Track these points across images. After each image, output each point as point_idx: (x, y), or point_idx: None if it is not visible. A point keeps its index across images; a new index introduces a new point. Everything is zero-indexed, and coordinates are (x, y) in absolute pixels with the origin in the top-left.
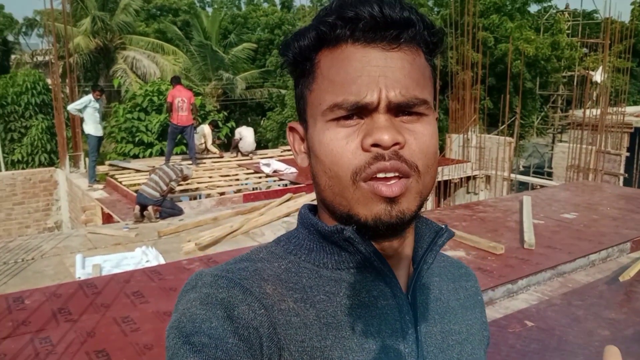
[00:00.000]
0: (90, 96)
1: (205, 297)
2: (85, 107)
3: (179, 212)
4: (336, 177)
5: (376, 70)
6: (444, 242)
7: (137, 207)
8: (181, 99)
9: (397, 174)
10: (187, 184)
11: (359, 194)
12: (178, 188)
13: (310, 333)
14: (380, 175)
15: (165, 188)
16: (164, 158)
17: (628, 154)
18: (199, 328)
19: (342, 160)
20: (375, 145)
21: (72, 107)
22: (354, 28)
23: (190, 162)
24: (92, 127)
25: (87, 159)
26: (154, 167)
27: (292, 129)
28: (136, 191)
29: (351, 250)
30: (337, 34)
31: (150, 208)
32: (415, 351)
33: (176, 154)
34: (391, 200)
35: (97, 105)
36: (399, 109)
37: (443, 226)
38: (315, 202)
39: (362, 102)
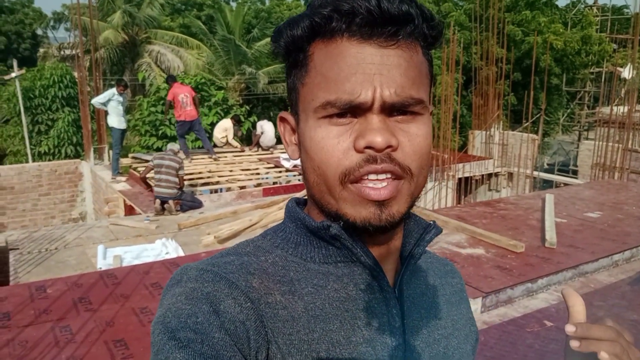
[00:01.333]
0: (113, 90)
1: (191, 292)
2: (109, 100)
3: (199, 205)
4: (324, 176)
5: (371, 68)
6: (432, 238)
7: (158, 201)
8: (184, 95)
9: (388, 176)
10: (208, 177)
11: (346, 195)
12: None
13: (298, 326)
14: (372, 177)
15: (177, 180)
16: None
17: None
18: (185, 323)
19: (332, 160)
20: (368, 147)
21: (95, 101)
22: (350, 22)
23: (209, 155)
24: (115, 120)
25: (111, 152)
26: (149, 164)
27: (283, 120)
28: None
29: (338, 245)
30: (333, 27)
31: (170, 202)
32: (402, 344)
33: (199, 147)
34: (381, 204)
35: (120, 98)
36: (393, 109)
37: (431, 222)
38: (303, 196)
39: (355, 101)
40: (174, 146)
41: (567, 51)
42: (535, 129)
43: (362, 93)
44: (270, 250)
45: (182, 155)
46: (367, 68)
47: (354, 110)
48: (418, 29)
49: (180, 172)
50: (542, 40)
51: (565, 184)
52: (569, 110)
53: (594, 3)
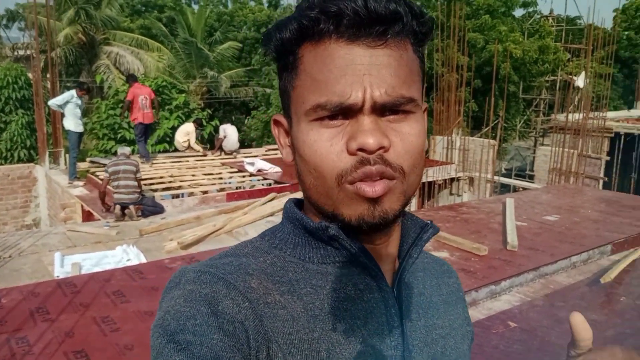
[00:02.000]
0: (73, 92)
1: (189, 294)
2: (67, 102)
3: (160, 210)
4: (321, 178)
5: (361, 69)
6: (429, 238)
7: (118, 207)
8: (144, 96)
9: (381, 177)
10: (170, 182)
11: (343, 195)
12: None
13: (298, 325)
14: (366, 179)
15: (137, 184)
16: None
17: (608, 158)
18: (184, 325)
19: (327, 162)
20: (360, 149)
21: (52, 103)
22: (338, 23)
23: (143, 159)
24: (72, 122)
25: (67, 156)
26: (105, 176)
27: (276, 122)
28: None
29: (336, 245)
30: (320, 29)
31: (131, 207)
32: (401, 344)
33: (159, 151)
34: (374, 201)
35: (79, 101)
36: (384, 109)
37: (428, 222)
38: (300, 197)
39: (346, 103)
40: (125, 149)
41: (525, 60)
42: (494, 134)
43: (352, 94)
44: (268, 251)
45: (128, 152)
46: (356, 69)
47: (345, 112)
48: (407, 27)
49: (138, 175)
50: (503, 48)
51: (524, 189)
52: (525, 117)
53: (550, 13)
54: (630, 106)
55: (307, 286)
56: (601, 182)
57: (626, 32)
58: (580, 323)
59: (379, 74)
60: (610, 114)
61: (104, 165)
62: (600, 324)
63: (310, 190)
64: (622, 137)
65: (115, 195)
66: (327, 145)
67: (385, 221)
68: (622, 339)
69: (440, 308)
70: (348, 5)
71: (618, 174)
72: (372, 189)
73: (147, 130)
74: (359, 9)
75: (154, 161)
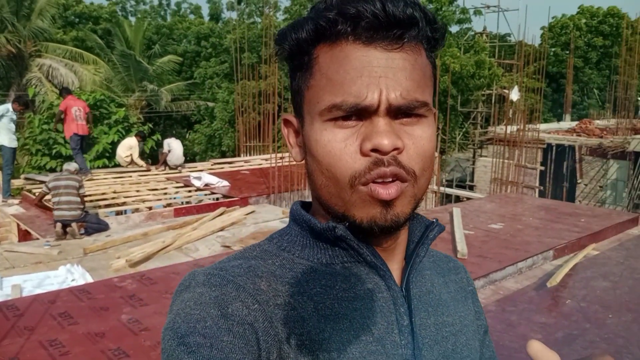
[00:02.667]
0: (8, 105)
1: (199, 297)
2: (2, 116)
3: (105, 227)
4: (333, 179)
5: (377, 71)
6: (435, 236)
7: (59, 225)
8: (78, 108)
9: (394, 179)
10: (113, 198)
11: (356, 197)
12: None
13: (308, 326)
14: (379, 180)
15: (79, 200)
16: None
17: (542, 167)
18: (194, 328)
19: (341, 163)
20: (374, 150)
21: None
22: (356, 26)
23: (82, 173)
24: (6, 137)
25: (0, 172)
26: (43, 189)
27: (286, 122)
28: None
29: (344, 246)
30: (338, 30)
31: (74, 224)
32: (411, 343)
33: (99, 167)
34: (387, 204)
35: (14, 116)
36: (399, 111)
37: (434, 220)
38: (304, 200)
39: (362, 104)
40: (70, 166)
41: (462, 74)
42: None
43: (368, 96)
44: (277, 254)
45: (74, 168)
46: (372, 71)
47: (360, 113)
48: (422, 32)
49: (81, 191)
50: (442, 63)
51: (468, 198)
52: (464, 130)
53: (483, 30)
54: (559, 119)
55: (316, 287)
56: (537, 190)
57: (553, 49)
58: (540, 351)
59: (395, 77)
60: (542, 126)
61: (40, 182)
62: (549, 327)
63: (321, 190)
64: (554, 148)
65: (56, 212)
66: (342, 146)
67: (396, 225)
68: (570, 340)
69: (450, 305)
70: (367, 8)
71: (551, 182)
72: (386, 191)
73: (82, 143)
74: (377, 12)
75: (95, 177)
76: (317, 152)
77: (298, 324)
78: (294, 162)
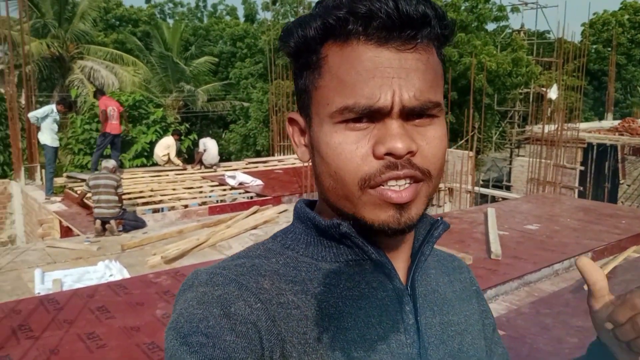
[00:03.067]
0: (52, 106)
1: (202, 296)
2: (46, 117)
3: (142, 224)
4: (342, 181)
5: (390, 72)
6: (440, 234)
7: (98, 222)
8: (112, 108)
9: (408, 181)
10: (150, 196)
11: (365, 200)
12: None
13: (312, 324)
14: (392, 182)
15: (117, 199)
16: (129, 170)
17: (582, 167)
18: (197, 328)
19: (350, 166)
20: (388, 153)
21: (32, 115)
22: (367, 25)
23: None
24: (49, 137)
25: (43, 171)
26: (84, 188)
27: (292, 121)
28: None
29: (349, 244)
30: (348, 30)
31: (112, 222)
32: (417, 341)
33: (137, 166)
34: (400, 207)
35: (57, 116)
36: (412, 113)
37: (438, 218)
38: (309, 198)
39: (374, 106)
40: (109, 163)
41: (499, 72)
42: (471, 146)
43: (381, 97)
44: (280, 252)
45: (113, 166)
46: (385, 72)
47: (372, 115)
48: (434, 30)
49: (119, 190)
50: (478, 61)
51: (503, 199)
52: (500, 129)
53: (521, 28)
54: (601, 117)
55: (320, 285)
56: (577, 191)
57: (594, 46)
58: (588, 264)
59: (408, 78)
60: (583, 125)
61: (82, 180)
62: (586, 330)
63: (329, 192)
64: (595, 147)
65: (96, 210)
66: (353, 149)
67: (410, 228)
68: None
69: (455, 304)
70: (379, 7)
71: (592, 183)
72: (398, 195)
73: (115, 141)
74: (390, 11)
75: (133, 175)
76: (326, 154)
77: (302, 323)
78: None
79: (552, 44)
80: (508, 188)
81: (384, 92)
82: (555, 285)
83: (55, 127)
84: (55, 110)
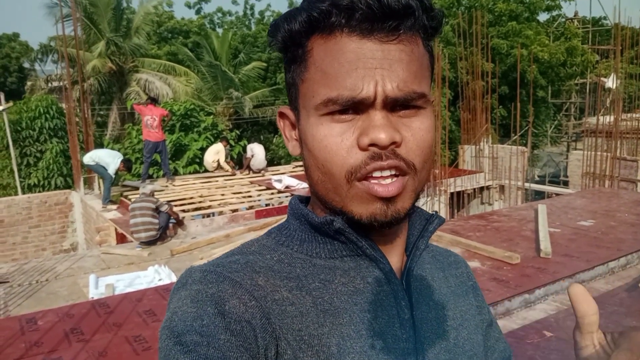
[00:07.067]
0: (117, 161)
1: (196, 294)
2: (109, 166)
3: (176, 221)
4: (329, 174)
5: (373, 63)
6: (435, 229)
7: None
8: (151, 117)
9: (393, 172)
10: (200, 202)
11: (353, 193)
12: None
13: (307, 321)
14: (377, 174)
15: (155, 221)
16: (179, 176)
17: None
18: (190, 326)
19: (337, 158)
20: (372, 144)
21: (90, 160)
22: (350, 17)
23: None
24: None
25: (101, 181)
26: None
27: (282, 115)
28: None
29: (343, 239)
30: (332, 22)
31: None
32: (413, 336)
33: (190, 173)
34: (387, 200)
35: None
36: (396, 104)
37: (433, 213)
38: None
39: (358, 97)
40: (146, 189)
41: (552, 63)
42: (524, 141)
43: (364, 88)
44: (275, 248)
45: (150, 190)
46: (368, 63)
47: (356, 107)
48: (418, 21)
49: (165, 208)
50: (527, 52)
51: (557, 194)
52: (556, 122)
53: (574, 16)
54: None
55: (315, 281)
56: (639, 184)
57: None
58: (580, 294)
59: (391, 69)
60: None
61: (137, 188)
62: None
63: (317, 185)
64: None
65: (135, 235)
66: (338, 141)
67: (397, 220)
68: None
69: (450, 300)
70: None
71: None
72: (384, 189)
73: (158, 148)
74: (371, 3)
75: (184, 182)
76: (313, 147)
77: (297, 320)
78: None
79: (609, 31)
80: (565, 183)
81: (367, 83)
82: (610, 284)
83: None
84: (118, 165)
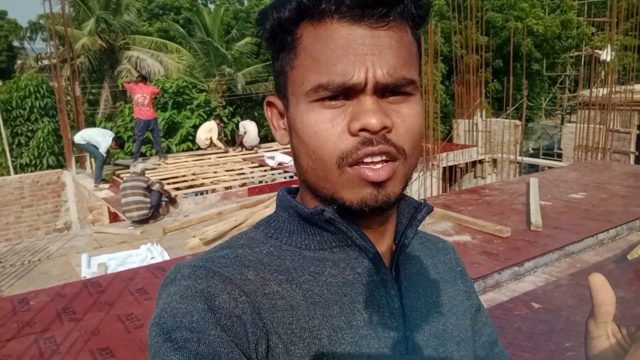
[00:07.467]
0: (109, 139)
1: (185, 290)
2: (101, 145)
3: (168, 199)
4: (320, 161)
5: (363, 49)
6: (424, 217)
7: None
8: (141, 95)
9: (384, 158)
10: (193, 179)
11: (344, 179)
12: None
13: (298, 314)
14: (367, 159)
15: (147, 200)
16: (172, 154)
17: (639, 131)
18: (180, 323)
19: (327, 144)
20: (362, 129)
21: (80, 139)
22: (340, 3)
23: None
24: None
25: (93, 160)
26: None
27: (270, 104)
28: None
29: (332, 230)
30: (322, 8)
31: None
32: (402, 324)
33: (183, 150)
34: (378, 185)
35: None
36: (386, 90)
37: (422, 201)
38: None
39: (348, 83)
40: (137, 167)
41: (547, 36)
42: (520, 114)
43: (354, 74)
44: (264, 241)
45: (141, 168)
46: (358, 49)
47: (347, 93)
48: (407, 9)
49: (156, 186)
50: (522, 25)
51: (550, 167)
52: (550, 95)
53: None
54: None
55: (305, 274)
56: (632, 156)
57: None
58: (600, 284)
59: (381, 55)
60: (639, 87)
61: (127, 167)
62: (628, 302)
63: (307, 173)
64: None
65: (127, 214)
66: (328, 127)
67: (387, 205)
68: None
69: (439, 286)
70: None
71: None
72: (375, 173)
73: (150, 126)
74: None
75: (177, 160)
76: (303, 133)
77: (287, 313)
78: None
79: (605, 3)
80: (559, 156)
81: (358, 69)
82: (599, 256)
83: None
84: (109, 144)
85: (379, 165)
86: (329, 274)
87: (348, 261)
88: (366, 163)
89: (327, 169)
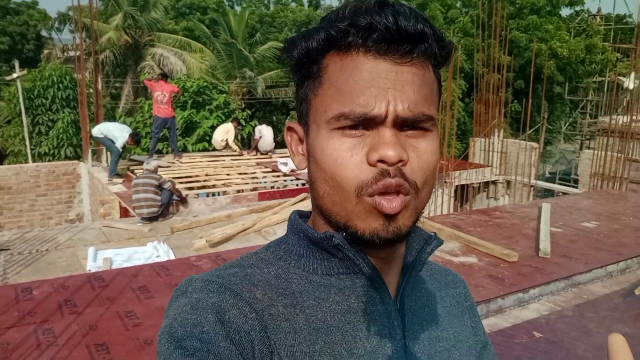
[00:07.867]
0: (126, 137)
1: (196, 302)
2: (117, 140)
3: (178, 198)
4: (338, 187)
5: (386, 83)
6: (433, 250)
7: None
8: (161, 93)
9: (398, 190)
10: (205, 180)
11: (360, 208)
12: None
13: (300, 338)
14: (384, 191)
15: (158, 197)
16: (187, 154)
17: None
18: (191, 333)
19: (346, 172)
20: (380, 160)
21: (98, 132)
22: (367, 37)
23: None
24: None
25: (109, 153)
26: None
27: (290, 129)
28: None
29: (340, 256)
30: (349, 41)
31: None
32: (404, 357)
33: (199, 150)
34: (389, 217)
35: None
36: (405, 124)
37: (432, 234)
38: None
39: (369, 114)
40: (150, 165)
41: (570, 59)
42: (537, 137)
43: (376, 106)
44: (273, 262)
45: (154, 166)
46: (381, 82)
47: (367, 123)
48: (431, 48)
49: (168, 185)
50: (546, 47)
51: (565, 193)
52: (571, 119)
53: (598, 12)
54: None
55: (310, 298)
56: None
57: None
58: (619, 345)
59: (403, 90)
60: None
61: (141, 162)
62: (632, 338)
63: (323, 199)
64: None
65: (137, 211)
66: (347, 155)
67: (398, 237)
68: None
69: (445, 320)
70: (379, 20)
71: None
72: (390, 205)
73: (167, 124)
74: (390, 26)
75: (192, 160)
76: (322, 160)
77: (289, 336)
78: None
79: (633, 29)
80: (576, 182)
81: (379, 102)
82: (607, 288)
83: (120, 149)
84: (126, 139)
85: (393, 196)
86: (334, 300)
87: (354, 289)
88: (382, 194)
89: (345, 196)
